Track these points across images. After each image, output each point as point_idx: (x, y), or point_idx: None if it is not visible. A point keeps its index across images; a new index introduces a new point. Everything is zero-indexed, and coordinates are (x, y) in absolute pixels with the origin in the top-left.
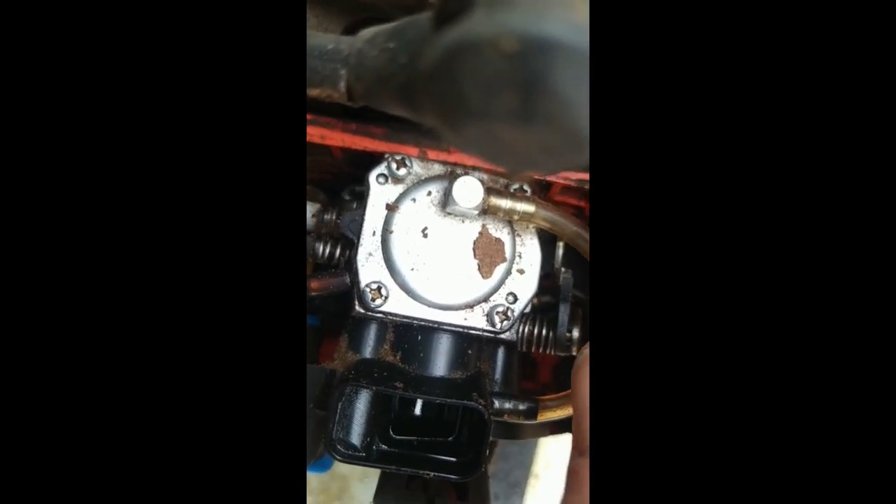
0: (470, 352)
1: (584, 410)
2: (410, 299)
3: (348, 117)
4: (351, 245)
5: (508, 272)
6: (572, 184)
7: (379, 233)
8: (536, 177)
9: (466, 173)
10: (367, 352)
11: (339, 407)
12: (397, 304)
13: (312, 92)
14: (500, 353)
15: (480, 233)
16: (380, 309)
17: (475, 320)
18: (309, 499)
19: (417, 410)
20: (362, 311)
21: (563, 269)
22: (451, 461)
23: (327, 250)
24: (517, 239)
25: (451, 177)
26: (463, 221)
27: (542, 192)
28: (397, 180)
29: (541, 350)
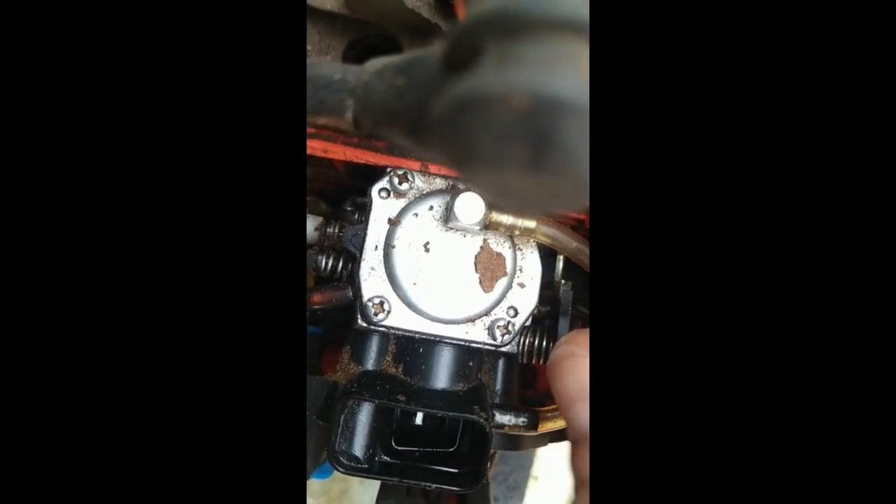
0: (471, 364)
1: (566, 403)
2: (412, 313)
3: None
4: (353, 259)
5: (509, 286)
6: (572, 223)
7: (381, 247)
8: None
9: (468, 189)
10: (370, 364)
11: (342, 419)
12: (399, 319)
13: (319, 121)
14: (501, 364)
15: (482, 247)
16: (382, 323)
17: (476, 334)
18: (309, 501)
19: (419, 421)
20: (364, 324)
21: (563, 282)
22: (453, 472)
23: (330, 263)
24: (518, 253)
25: (452, 192)
26: (464, 236)
27: None
28: (399, 195)
29: (541, 362)
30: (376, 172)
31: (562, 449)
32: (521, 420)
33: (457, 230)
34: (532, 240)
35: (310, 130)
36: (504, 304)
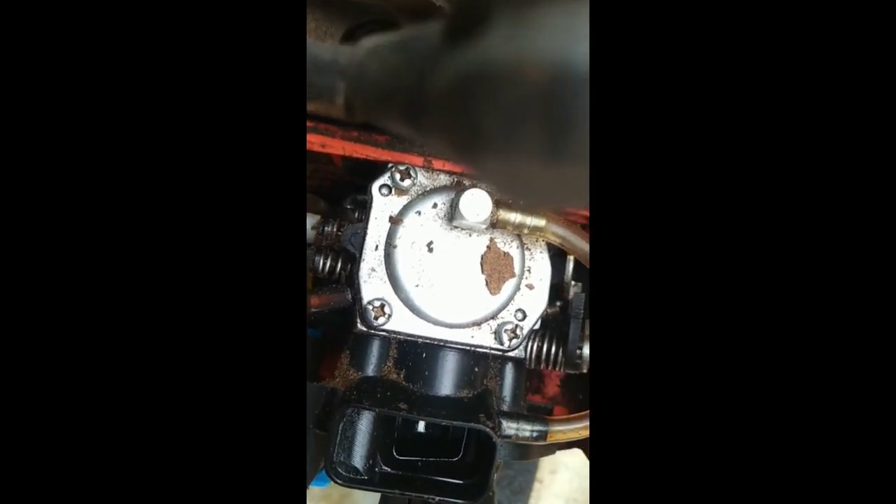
0: (477, 370)
1: None
2: (415, 317)
3: (350, 125)
4: (353, 259)
5: (517, 288)
6: (583, 221)
7: (382, 247)
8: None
9: (474, 185)
10: (370, 370)
11: (340, 428)
12: (401, 322)
13: (308, 106)
14: (509, 370)
15: (488, 247)
16: (383, 327)
17: (482, 338)
18: None
19: (421, 428)
20: (364, 328)
21: (573, 283)
22: (457, 483)
23: (328, 264)
24: (527, 253)
25: (457, 188)
26: (470, 235)
27: None
28: (401, 192)
29: (549, 367)
30: (377, 168)
31: (568, 452)
32: (529, 429)
33: (462, 229)
34: (541, 239)
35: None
36: (512, 307)
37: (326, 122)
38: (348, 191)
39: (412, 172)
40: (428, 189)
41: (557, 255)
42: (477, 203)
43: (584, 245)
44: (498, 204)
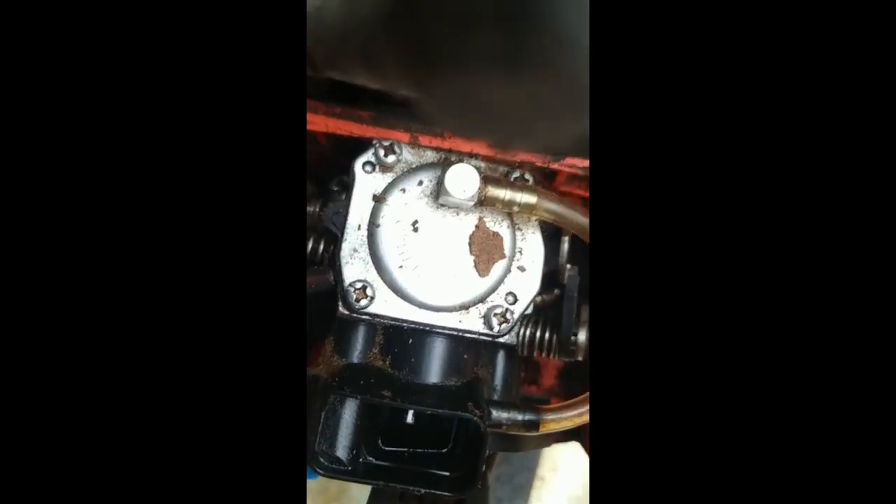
0: (466, 357)
1: None
2: (399, 300)
3: (333, 99)
4: (335, 240)
5: (508, 270)
6: (579, 172)
7: (365, 226)
8: (539, 164)
9: (461, 160)
10: (354, 356)
11: (323, 417)
12: (385, 305)
13: None
14: (500, 357)
15: (477, 226)
16: (365, 310)
17: (471, 323)
18: (308, 500)
19: (410, 418)
20: (347, 312)
21: (568, 266)
22: (445, 476)
23: (310, 245)
24: (517, 233)
25: (444, 164)
26: (457, 214)
27: (546, 181)
28: (385, 168)
29: (543, 354)
30: (361, 145)
31: (570, 447)
32: (521, 419)
33: (449, 207)
34: (533, 218)
35: None
36: (502, 290)
37: (310, 98)
38: (334, 172)
39: (397, 148)
40: (414, 166)
41: (553, 237)
42: (464, 178)
43: (580, 218)
44: (486, 180)
